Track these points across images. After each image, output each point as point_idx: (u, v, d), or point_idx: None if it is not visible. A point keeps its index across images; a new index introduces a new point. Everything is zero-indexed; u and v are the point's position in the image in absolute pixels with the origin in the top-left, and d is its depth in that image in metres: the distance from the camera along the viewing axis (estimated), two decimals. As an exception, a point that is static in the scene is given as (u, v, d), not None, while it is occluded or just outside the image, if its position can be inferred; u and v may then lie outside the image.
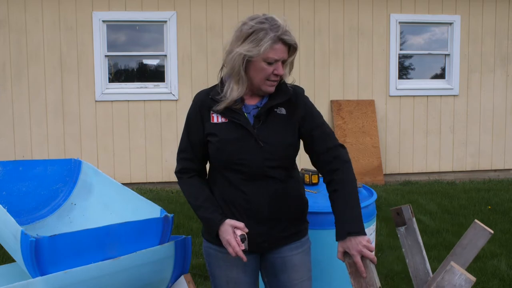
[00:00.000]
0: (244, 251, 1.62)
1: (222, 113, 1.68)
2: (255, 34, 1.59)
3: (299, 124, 1.72)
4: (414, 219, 1.79)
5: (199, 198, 1.71)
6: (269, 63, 1.62)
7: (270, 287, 1.85)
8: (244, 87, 1.66)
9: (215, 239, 1.70)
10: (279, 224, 1.73)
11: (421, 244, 1.78)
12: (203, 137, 1.71)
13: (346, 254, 1.63)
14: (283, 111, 1.71)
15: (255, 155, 1.66)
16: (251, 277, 1.79)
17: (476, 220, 1.68)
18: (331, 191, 1.70)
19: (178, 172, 1.78)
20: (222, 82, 1.72)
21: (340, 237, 1.62)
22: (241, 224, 1.64)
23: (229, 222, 1.64)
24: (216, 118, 1.69)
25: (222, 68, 1.73)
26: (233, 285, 1.76)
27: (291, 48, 1.66)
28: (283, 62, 1.66)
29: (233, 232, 1.63)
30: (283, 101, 1.71)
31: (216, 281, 1.79)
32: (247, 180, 1.68)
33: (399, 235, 1.80)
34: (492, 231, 1.66)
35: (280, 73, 1.64)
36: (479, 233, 1.65)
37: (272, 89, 1.68)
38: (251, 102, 1.72)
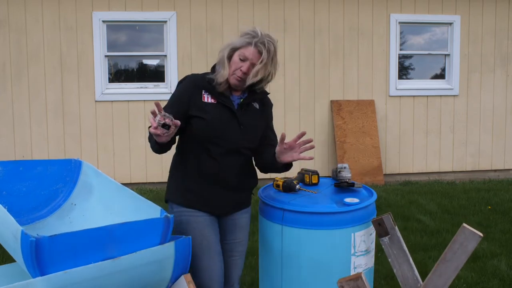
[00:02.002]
0: (164, 124, 1.78)
1: (213, 94, 2.03)
2: (242, 35, 2.00)
3: (265, 119, 2.19)
4: (396, 228, 1.78)
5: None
6: (241, 60, 1.99)
7: None
8: (226, 72, 2.01)
9: (191, 202, 2.04)
10: (240, 193, 2.16)
11: (407, 252, 1.78)
12: (187, 111, 2.01)
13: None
14: (257, 106, 2.15)
15: (235, 133, 2.04)
16: (217, 236, 2.10)
17: (464, 224, 1.67)
18: (270, 149, 2.14)
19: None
20: (213, 70, 2.09)
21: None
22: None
23: None
24: (207, 98, 2.03)
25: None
26: (207, 243, 2.03)
27: (260, 54, 1.98)
28: (252, 65, 1.99)
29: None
30: (259, 98, 2.15)
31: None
32: (224, 153, 2.03)
33: (383, 246, 1.80)
34: (482, 234, 1.65)
35: (244, 70, 1.98)
36: (469, 237, 1.64)
37: (236, 83, 2.03)
38: (237, 94, 2.11)
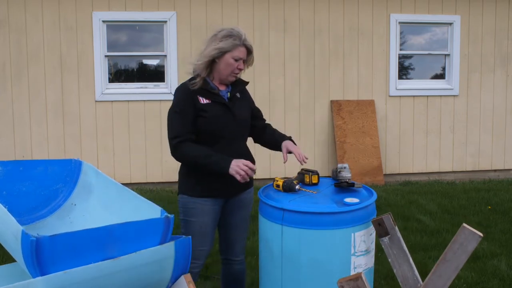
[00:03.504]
0: (250, 178, 2.22)
1: (206, 96, 2.32)
2: (228, 37, 2.29)
3: (249, 104, 2.53)
4: (396, 228, 1.78)
5: (204, 150, 2.27)
6: (235, 60, 2.31)
7: (223, 225, 2.50)
8: (208, 71, 2.33)
9: (199, 193, 2.33)
10: None
11: (407, 252, 1.78)
12: (196, 114, 2.30)
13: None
14: (238, 95, 2.46)
15: (232, 124, 2.37)
16: (215, 222, 2.42)
17: (464, 224, 1.67)
18: (268, 131, 2.62)
19: (179, 142, 2.27)
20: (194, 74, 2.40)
21: (284, 139, 2.56)
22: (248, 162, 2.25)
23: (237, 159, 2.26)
24: (203, 100, 2.32)
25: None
26: (204, 228, 2.36)
27: (249, 51, 2.37)
28: (244, 61, 2.37)
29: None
30: (242, 88, 2.49)
31: (190, 225, 2.36)
32: (227, 143, 2.35)
33: (383, 246, 1.79)
34: (481, 234, 1.65)
35: (242, 68, 2.37)
36: (469, 237, 1.64)
37: (234, 79, 2.40)
38: (222, 88, 2.42)
